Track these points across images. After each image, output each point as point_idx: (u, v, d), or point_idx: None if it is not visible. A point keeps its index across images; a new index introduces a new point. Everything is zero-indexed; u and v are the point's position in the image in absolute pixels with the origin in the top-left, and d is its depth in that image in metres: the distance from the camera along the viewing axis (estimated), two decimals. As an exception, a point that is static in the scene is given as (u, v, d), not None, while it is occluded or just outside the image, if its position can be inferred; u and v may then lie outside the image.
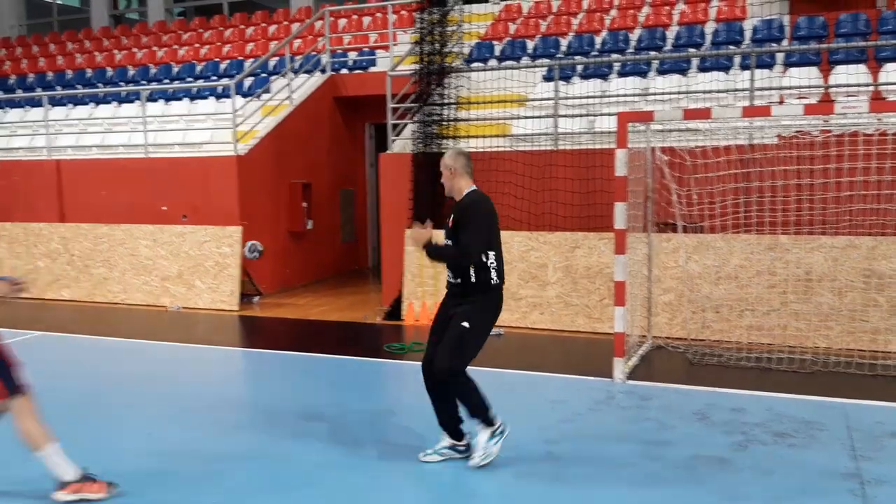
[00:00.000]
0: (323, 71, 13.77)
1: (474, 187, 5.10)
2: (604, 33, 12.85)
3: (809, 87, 9.91)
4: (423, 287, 9.86)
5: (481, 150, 10.35)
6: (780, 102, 9.48)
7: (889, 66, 9.98)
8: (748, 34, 11.73)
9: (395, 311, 10.13)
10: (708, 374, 7.09)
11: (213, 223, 11.34)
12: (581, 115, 10.52)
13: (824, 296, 8.03)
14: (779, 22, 11.73)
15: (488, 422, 4.92)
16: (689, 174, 8.15)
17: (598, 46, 12.52)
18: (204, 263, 11.24)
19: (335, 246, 14.24)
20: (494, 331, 8.93)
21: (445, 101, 10.34)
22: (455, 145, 10.12)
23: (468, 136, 10.44)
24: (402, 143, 10.98)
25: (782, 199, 7.99)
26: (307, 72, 13.77)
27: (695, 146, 8.49)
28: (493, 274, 4.89)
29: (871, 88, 9.72)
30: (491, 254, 4.90)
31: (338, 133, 14.07)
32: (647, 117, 7.19)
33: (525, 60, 12.52)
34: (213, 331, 9.79)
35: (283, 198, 12.49)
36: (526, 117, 10.74)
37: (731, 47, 11.41)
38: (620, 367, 6.94)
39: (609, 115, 9.84)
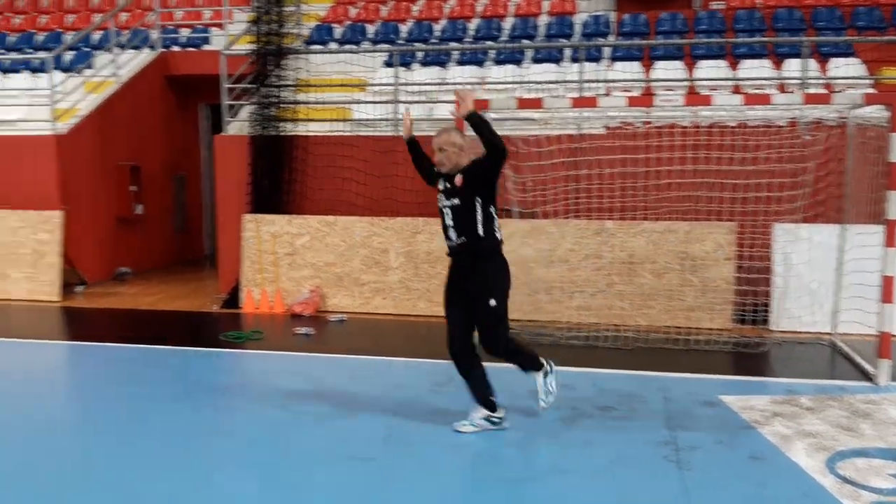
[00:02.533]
0: (153, 47, 13.07)
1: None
2: (443, 21, 13.04)
3: (633, 80, 10.55)
4: (262, 274, 9.64)
5: (322, 134, 10.24)
6: (607, 95, 10.03)
7: (703, 63, 10.80)
8: (578, 28, 12.30)
9: (232, 300, 9.84)
10: (541, 354, 7.35)
11: (29, 207, 10.51)
12: (421, 102, 10.64)
13: (645, 277, 8.61)
14: (606, 18, 12.38)
15: (538, 366, 5.33)
16: (523, 162, 8.46)
17: (437, 34, 12.69)
18: (18, 251, 10.40)
19: (168, 233, 13.60)
20: (335, 317, 9.00)
21: (284, 82, 10.13)
22: (288, 127, 9.96)
23: (308, 120, 10.30)
24: (239, 126, 10.65)
25: (609, 186, 8.47)
26: (135, 47, 13.02)
27: (529, 135, 8.82)
28: (497, 227, 5.12)
29: (687, 83, 10.48)
30: (492, 209, 5.09)
31: (170, 114, 13.42)
32: (482, 105, 7.36)
33: (365, 45, 12.48)
34: (31, 324, 9.10)
35: (109, 181, 11.77)
36: (367, 102, 10.72)
37: (563, 40, 11.92)
38: (459, 349, 7.10)
39: (448, 102, 10.01)
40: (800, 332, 8.10)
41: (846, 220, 7.74)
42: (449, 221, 5.14)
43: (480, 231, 5.04)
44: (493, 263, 5.12)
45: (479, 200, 5.04)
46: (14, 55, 13.33)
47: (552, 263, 8.75)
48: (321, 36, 12.85)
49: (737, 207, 8.38)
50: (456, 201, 5.08)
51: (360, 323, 8.93)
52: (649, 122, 8.75)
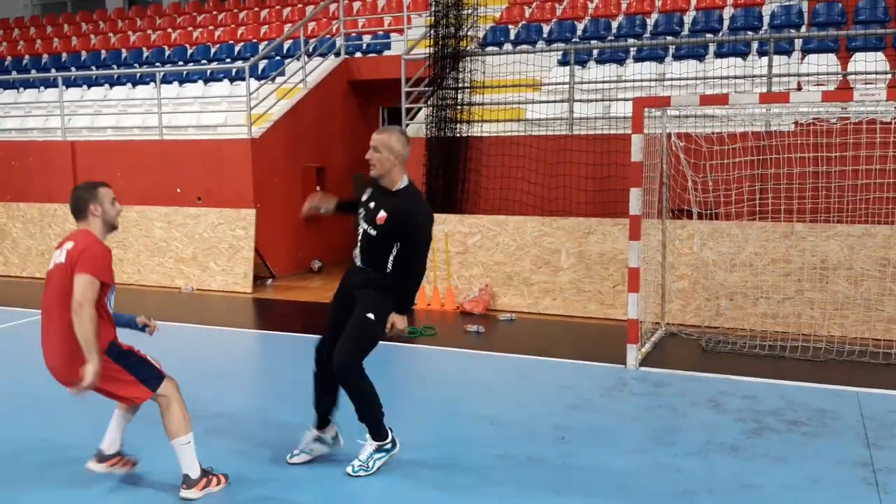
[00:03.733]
0: (337, 54, 13.73)
1: (409, 180, 4.60)
2: (620, 17, 12.75)
3: (827, 73, 9.81)
4: (435, 272, 9.85)
5: (495, 134, 10.33)
6: (798, 89, 9.40)
7: (908, 53, 9.86)
8: (766, 20, 11.60)
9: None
10: (721, 362, 7.07)
11: (227, 206, 11.38)
12: (596, 100, 10.46)
13: (839, 284, 7.98)
14: (797, 7, 11.60)
15: (379, 434, 4.61)
16: (704, 160, 8.10)
17: (614, 31, 12.43)
18: (218, 245, 11.28)
19: (348, 229, 14.24)
20: (505, 316, 9.03)
21: (460, 85, 10.30)
22: (463, 128, 10.10)
23: (482, 121, 10.42)
24: (416, 128, 10.95)
25: (798, 186, 7.93)
26: (321, 55, 13.74)
27: (711, 132, 8.43)
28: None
29: (889, 76, 9.61)
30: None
31: (351, 117, 14.04)
32: (663, 102, 7.15)
33: (540, 44, 12.44)
34: (227, 312, 9.84)
35: (296, 181, 12.50)
36: (541, 102, 10.69)
37: (749, 33, 11.29)
38: (633, 353, 6.93)
39: (625, 100, 9.78)
40: None
41: None
42: (359, 243, 4.61)
43: (389, 268, 4.51)
44: (389, 293, 4.53)
45: (395, 248, 4.48)
46: (216, 65, 14.47)
47: (734, 267, 8.32)
48: (496, 37, 12.96)
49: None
50: (372, 232, 4.53)
51: (529, 323, 8.92)
52: (846, 118, 8.10)
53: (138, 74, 14.65)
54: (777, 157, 8.11)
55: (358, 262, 4.63)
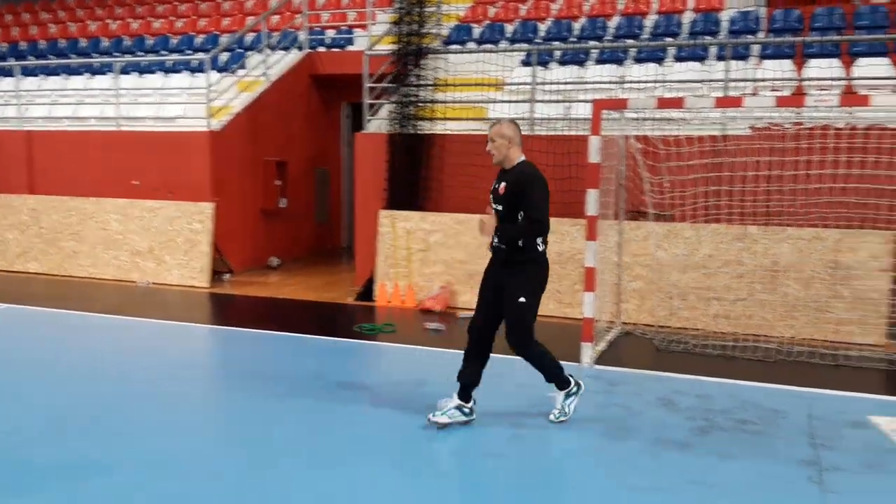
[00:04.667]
0: (300, 48, 13.64)
1: (524, 157, 5.31)
2: (582, 20, 12.86)
3: (783, 79, 10.01)
4: (395, 269, 9.87)
5: (458, 132, 10.35)
6: (754, 94, 9.58)
7: (862, 61, 10.11)
8: (725, 25, 11.81)
9: (366, 292, 10.13)
10: (674, 361, 7.20)
11: (185, 199, 11.24)
12: (558, 101, 10.55)
13: (790, 286, 8.16)
14: (755, 14, 11.82)
15: (563, 383, 5.47)
16: (661, 163, 8.22)
17: (576, 33, 12.53)
18: (175, 239, 11.14)
19: (309, 226, 14.17)
20: (465, 314, 9.06)
21: (423, 82, 10.30)
22: (425, 125, 10.12)
23: (445, 119, 10.43)
24: (379, 124, 10.94)
25: (752, 189, 8.09)
26: (284, 48, 13.64)
27: (668, 135, 8.55)
28: (540, 241, 5.20)
29: (843, 83, 9.84)
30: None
31: (314, 111, 13.96)
32: (621, 105, 7.24)
33: (503, 44, 12.50)
34: (183, 307, 9.73)
35: (256, 175, 12.39)
36: (503, 101, 10.73)
37: (708, 38, 11.48)
38: (588, 352, 7.02)
39: (585, 101, 9.86)
40: (965, 353, 7.45)
41: None
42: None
43: (521, 242, 5.15)
44: (531, 265, 5.22)
45: (521, 215, 5.13)
46: (176, 56, 14.27)
47: (688, 268, 8.46)
48: (460, 35, 12.99)
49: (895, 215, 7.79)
50: (500, 208, 5.22)
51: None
52: (800, 123, 8.28)
53: (96, 64, 14.38)
54: (732, 161, 8.27)
55: (495, 241, 5.27)
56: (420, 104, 10.27)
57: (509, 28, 13.00)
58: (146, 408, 5.68)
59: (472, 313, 9.15)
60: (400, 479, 4.51)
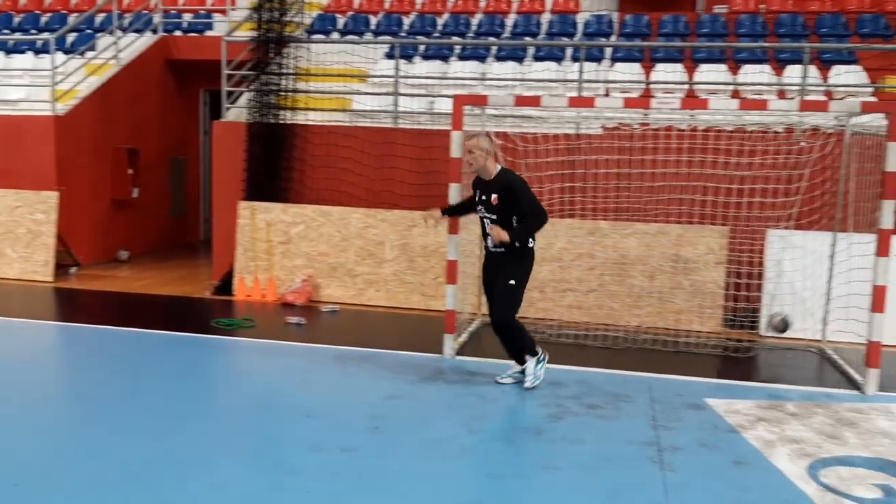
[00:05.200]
0: (154, 31, 13.04)
1: (500, 166, 6.12)
2: (446, 15, 13.03)
3: (633, 82, 10.55)
4: (255, 262, 9.65)
5: (321, 123, 10.24)
6: (606, 95, 10.04)
7: (703, 67, 10.81)
8: (580, 27, 12.29)
9: (225, 286, 9.85)
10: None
11: (27, 187, 10.50)
12: (421, 95, 10.65)
13: (636, 278, 8.63)
14: (608, 18, 12.38)
15: (534, 353, 6.18)
16: (520, 159, 8.47)
17: (439, 28, 12.68)
18: (15, 230, 10.39)
19: (164, 217, 13.59)
20: (328, 307, 9.01)
21: (284, 71, 10.12)
22: (287, 115, 9.97)
23: (307, 109, 10.29)
24: (238, 112, 10.64)
25: (603, 186, 8.49)
26: (137, 31, 12.99)
27: (527, 132, 8.83)
28: (532, 238, 6.04)
29: (686, 87, 10.49)
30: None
31: (169, 98, 13.39)
32: (481, 101, 7.40)
33: (367, 36, 12.47)
34: (23, 303, 9.11)
35: (106, 163, 11.76)
36: (366, 93, 10.72)
37: (564, 39, 11.92)
38: (450, 343, 7.14)
39: (448, 96, 10.01)
40: (789, 339, 8.14)
41: (839, 228, 7.77)
42: (488, 230, 6.06)
43: (516, 243, 5.93)
44: (522, 258, 6.07)
45: (515, 218, 5.93)
46: (19, 35, 13.29)
47: (545, 261, 8.77)
48: (324, 25, 12.84)
49: (731, 212, 8.41)
50: (494, 217, 5.99)
51: (352, 314, 8.95)
52: (647, 125, 8.77)
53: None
54: (585, 159, 8.64)
55: (491, 246, 6.12)
56: (281, 93, 10.08)
57: (374, 20, 12.98)
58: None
59: (334, 306, 9.17)
60: (249, 477, 4.43)
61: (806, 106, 6.66)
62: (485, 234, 6.16)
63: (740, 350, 7.63)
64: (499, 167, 6.06)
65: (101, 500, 4.08)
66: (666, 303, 8.56)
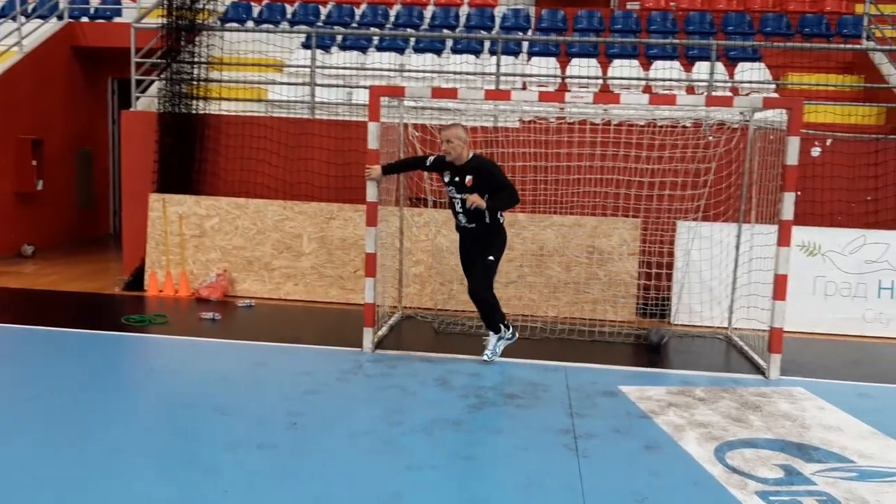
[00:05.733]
0: (60, 17, 12.49)
1: (473, 152, 6.67)
2: (363, 6, 12.93)
3: (549, 76, 10.71)
4: (168, 256, 9.38)
5: (235, 113, 10.03)
6: (523, 88, 10.16)
7: (617, 62, 11.06)
8: (498, 21, 12.39)
9: (136, 282, 9.54)
10: (451, 343, 7.50)
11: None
12: (339, 86, 10.54)
13: (554, 269, 8.79)
14: (525, 12, 12.51)
15: (497, 329, 6.80)
16: (440, 152, 8.47)
17: (357, 18, 12.57)
18: None
19: (71, 210, 13.06)
20: (244, 302, 8.84)
21: (196, 60, 9.85)
22: (199, 105, 9.74)
23: (221, 99, 10.06)
24: (148, 102, 10.31)
25: (521, 179, 8.59)
26: (41, 17, 12.41)
27: (445, 124, 8.83)
28: (500, 215, 6.60)
29: (600, 81, 10.71)
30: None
31: (76, 86, 12.87)
32: (398, 92, 7.38)
33: (283, 25, 12.26)
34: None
35: (8, 154, 11.22)
36: (283, 83, 10.54)
37: (483, 32, 11.99)
38: (370, 336, 7.11)
39: (366, 87, 9.95)
40: (698, 326, 8.44)
41: (744, 219, 8.09)
42: (459, 209, 6.55)
43: (487, 220, 6.50)
44: (497, 235, 6.62)
45: (487, 196, 6.37)
46: None
47: (465, 253, 8.82)
48: (238, 14, 12.55)
49: (643, 204, 8.65)
50: (464, 196, 6.42)
51: (269, 309, 8.81)
52: (562, 118, 8.91)
53: None
54: (503, 152, 8.73)
55: (464, 223, 6.65)
56: (193, 83, 9.81)
57: (289, 9, 12.77)
58: None
59: (251, 300, 9.01)
60: (163, 478, 4.32)
61: (712, 101, 6.88)
62: (455, 214, 6.64)
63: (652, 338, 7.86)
64: (471, 153, 6.60)
65: (2, 507, 3.90)
66: (582, 293, 8.74)
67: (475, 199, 6.31)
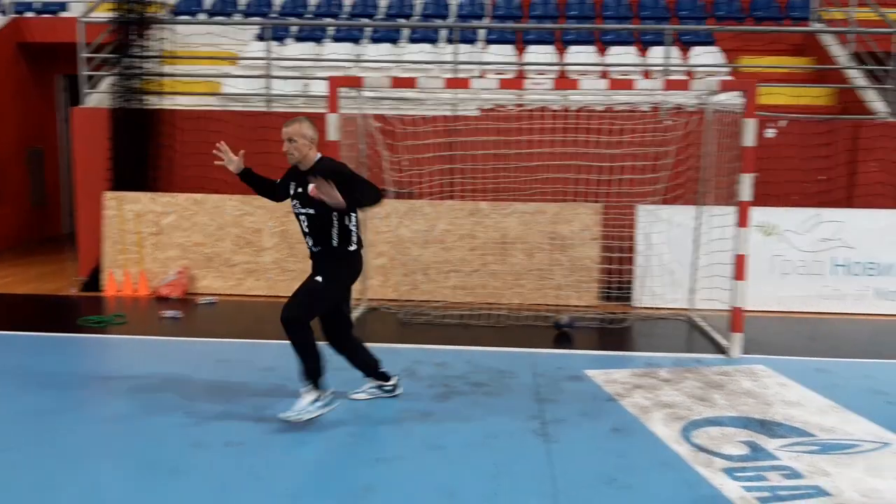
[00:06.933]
0: (3, 13, 12.13)
1: (320, 154, 5.18)
2: (318, -5, 12.79)
3: (506, 63, 10.71)
4: (125, 255, 9.20)
5: (189, 108, 9.85)
6: (481, 77, 10.14)
7: (573, 48, 11.10)
8: (454, 10, 12.35)
9: (93, 282, 9.34)
10: (416, 333, 7.49)
11: None
12: (295, 78, 10.42)
13: (517, 257, 8.81)
14: (480, 0, 12.49)
15: (313, 383, 5.06)
16: (399, 141, 8.45)
17: (311, 9, 12.43)
18: None
19: (22, 211, 12.73)
20: (205, 299, 8.72)
21: (147, 53, 9.64)
22: (152, 100, 9.53)
23: (174, 93, 9.87)
24: (99, 98, 10.08)
25: (482, 167, 8.60)
26: (-19, 11, 12.06)
27: (405, 115, 8.81)
28: (354, 238, 5.09)
29: (558, 68, 10.74)
30: (353, 216, 5.05)
31: (23, 83, 12.53)
32: (356, 83, 7.31)
33: (237, 17, 12.07)
34: None
35: (-47, 155, 10.90)
36: (237, 76, 10.38)
37: (438, 21, 11.94)
38: (333, 329, 7.04)
39: (323, 78, 9.84)
40: (660, 308, 8.54)
41: (703, 201, 8.19)
42: (305, 229, 5.10)
43: (335, 241, 5.02)
44: (342, 260, 5.09)
45: (335, 213, 4.91)
46: None
47: (428, 244, 8.81)
48: (189, 6, 12.32)
49: (603, 189, 8.71)
50: (311, 211, 4.98)
51: (231, 305, 8.70)
52: (521, 105, 8.92)
53: None
54: (464, 140, 8.72)
55: (311, 246, 5.11)
56: (145, 77, 9.61)
57: (242, 0, 12.57)
58: None
59: (212, 297, 8.89)
60: (128, 480, 4.24)
61: (670, 85, 6.94)
62: (304, 236, 5.14)
63: (615, 322, 7.94)
64: (318, 155, 5.15)
65: (-39, 517, 3.79)
66: (545, 279, 8.78)
67: (324, 187, 4.65)
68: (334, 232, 4.99)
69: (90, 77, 10.06)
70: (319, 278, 5.01)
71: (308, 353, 5.01)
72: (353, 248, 5.09)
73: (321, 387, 5.08)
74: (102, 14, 10.24)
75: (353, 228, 5.09)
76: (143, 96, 9.57)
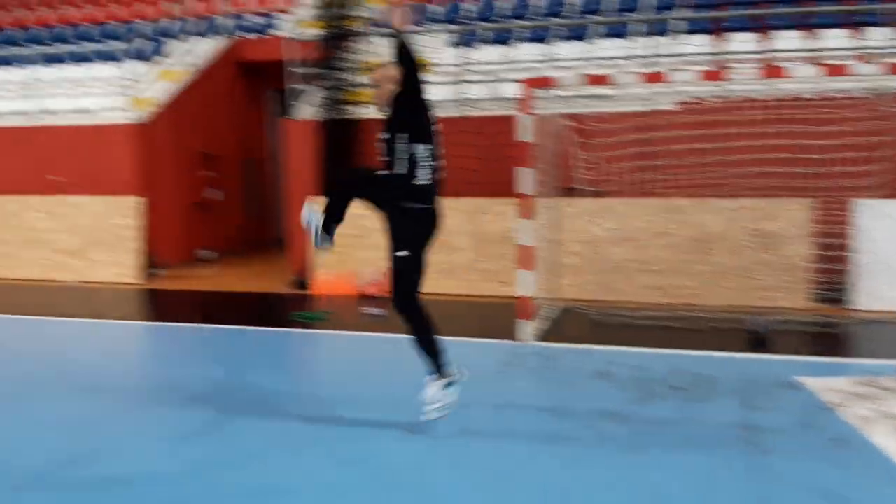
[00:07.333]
0: (221, 34, 13.32)
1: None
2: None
3: (704, 54, 10.25)
4: (332, 256, 9.78)
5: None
6: (678, 69, 9.77)
7: (778, 34, 10.41)
8: (645, 1, 11.99)
9: (302, 281, 10.04)
10: (611, 334, 7.36)
11: (111, 193, 10.91)
12: (487, 81, 10.59)
13: (718, 255, 8.41)
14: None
15: (438, 369, 4.82)
16: (593, 139, 8.34)
17: (504, 12, 12.57)
18: (101, 236, 10.81)
19: (240, 217, 13.93)
20: (378, 311, 9.02)
21: (349, 66, 10.20)
22: (354, 110, 10.04)
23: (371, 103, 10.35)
24: (307, 110, 10.79)
25: (680, 163, 8.28)
26: (205, 35, 13.30)
27: (597, 112, 8.68)
28: (418, 169, 4.62)
29: (761, 55, 10.13)
30: (421, 146, 4.63)
31: (241, 99, 13.70)
32: (549, 83, 7.32)
33: (429, 26, 12.46)
34: (114, 305, 9.47)
35: (184, 168, 12.11)
36: (431, 83, 10.70)
37: (632, 14, 11.65)
38: (526, 329, 7.11)
39: (514, 81, 9.91)
40: (881, 311, 7.81)
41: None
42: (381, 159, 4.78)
43: (395, 166, 4.65)
44: (405, 204, 4.74)
45: (400, 135, 4.61)
46: (95, 45, 13.76)
47: (621, 242, 8.63)
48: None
49: (814, 183, 8.09)
50: (386, 135, 4.71)
51: (429, 304, 8.96)
52: (723, 97, 8.50)
53: (10, 56, 13.78)
54: (660, 136, 8.44)
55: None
56: (349, 88, 10.17)
57: (433, 10, 12.96)
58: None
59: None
60: (336, 469, 4.50)
61: (889, 69, 6.33)
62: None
63: (830, 325, 7.37)
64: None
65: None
66: (750, 280, 8.31)
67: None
68: (396, 156, 4.63)
69: (299, 91, 10.80)
70: (401, 252, 4.71)
71: (423, 334, 4.86)
72: (421, 182, 4.65)
73: (447, 369, 4.85)
74: (309, 31, 10.97)
75: (422, 154, 4.66)
76: (347, 107, 10.14)
